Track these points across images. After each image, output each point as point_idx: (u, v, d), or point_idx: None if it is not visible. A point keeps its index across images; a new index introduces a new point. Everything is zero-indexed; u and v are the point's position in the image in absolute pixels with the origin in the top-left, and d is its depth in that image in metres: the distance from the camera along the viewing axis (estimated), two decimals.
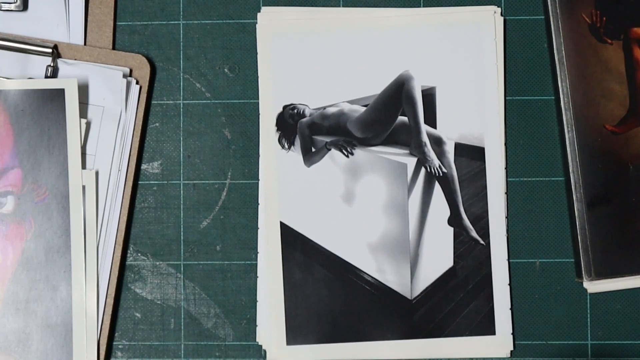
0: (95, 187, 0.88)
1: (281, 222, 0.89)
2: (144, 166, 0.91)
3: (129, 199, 0.89)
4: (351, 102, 0.90)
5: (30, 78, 0.88)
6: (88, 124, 0.88)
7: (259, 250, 0.90)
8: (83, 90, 0.88)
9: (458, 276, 0.89)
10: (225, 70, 0.91)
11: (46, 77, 0.88)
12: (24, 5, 0.90)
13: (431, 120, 0.89)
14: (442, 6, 0.90)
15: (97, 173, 0.88)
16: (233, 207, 0.90)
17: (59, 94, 0.87)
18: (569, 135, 0.88)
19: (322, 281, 0.89)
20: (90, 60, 0.89)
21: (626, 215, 0.88)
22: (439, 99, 0.90)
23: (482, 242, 0.89)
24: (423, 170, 0.89)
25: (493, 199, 0.89)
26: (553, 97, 0.90)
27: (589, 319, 0.90)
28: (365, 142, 0.90)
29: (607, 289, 0.89)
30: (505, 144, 0.90)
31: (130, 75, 0.90)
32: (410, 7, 0.91)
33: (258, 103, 0.91)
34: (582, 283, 0.89)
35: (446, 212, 0.90)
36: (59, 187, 0.87)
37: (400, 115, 0.90)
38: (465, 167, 0.90)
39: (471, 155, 0.90)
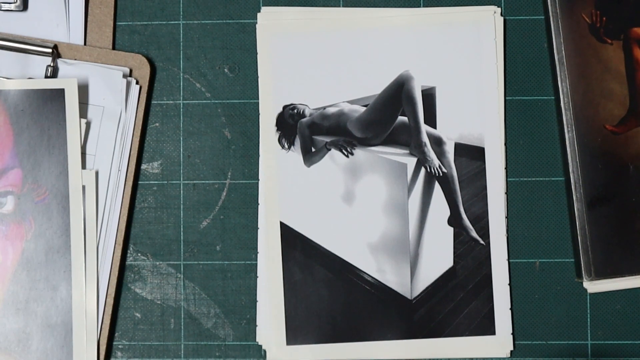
0: (95, 187, 0.88)
1: (281, 222, 0.89)
2: (144, 166, 0.91)
3: (129, 199, 0.89)
4: (351, 102, 0.90)
5: (30, 78, 0.88)
6: (88, 124, 0.88)
7: (259, 250, 0.90)
8: (83, 90, 0.88)
9: (458, 276, 0.89)
10: (225, 70, 0.91)
11: (46, 77, 0.88)
12: (24, 5, 0.90)
13: (431, 120, 0.89)
14: (442, 6, 0.90)
15: (97, 173, 0.88)
16: (233, 207, 0.90)
17: (59, 94, 0.87)
18: (569, 135, 0.88)
19: (322, 281, 0.89)
20: (90, 60, 0.89)
21: (626, 215, 0.88)
22: (439, 99, 0.90)
23: (482, 242, 0.89)
24: (423, 170, 0.89)
25: (493, 199, 0.89)
26: (553, 97, 0.90)
27: (589, 319, 0.90)
28: (365, 142, 0.90)
29: (607, 289, 0.89)
30: (505, 144, 0.90)
31: (130, 75, 0.90)
32: (410, 7, 0.91)
33: (258, 103, 0.91)
34: (582, 283, 0.89)
35: (446, 212, 0.90)
36: (59, 187, 0.87)
37: (400, 115, 0.90)
38: (465, 167, 0.90)
39: (471, 155, 0.90)
